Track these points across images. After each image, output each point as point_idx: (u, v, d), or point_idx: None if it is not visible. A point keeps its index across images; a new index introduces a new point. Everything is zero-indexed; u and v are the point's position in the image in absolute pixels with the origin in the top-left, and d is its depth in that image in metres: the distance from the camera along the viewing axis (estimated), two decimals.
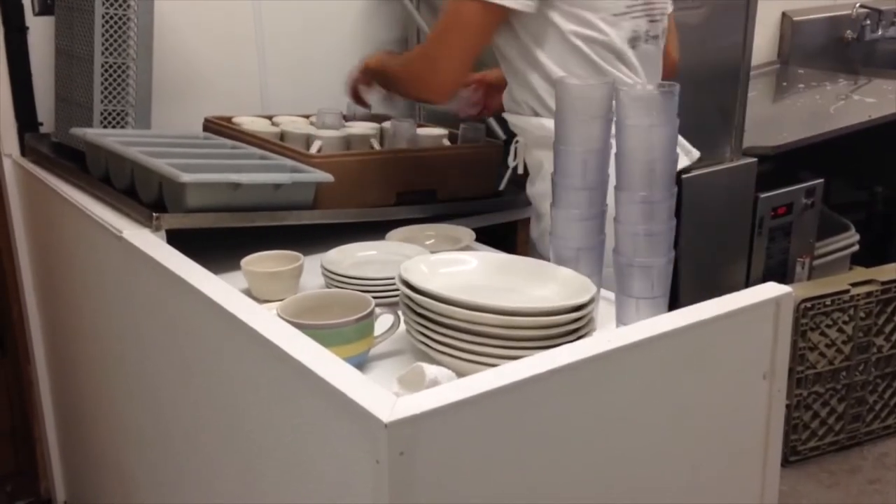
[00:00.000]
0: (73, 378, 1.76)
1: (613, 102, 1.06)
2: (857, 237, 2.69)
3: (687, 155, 1.55)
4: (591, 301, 1.00)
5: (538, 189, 1.49)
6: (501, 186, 1.70)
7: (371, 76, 1.62)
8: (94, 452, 1.71)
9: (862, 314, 2.27)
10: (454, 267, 1.12)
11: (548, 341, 0.95)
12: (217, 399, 1.04)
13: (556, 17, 1.35)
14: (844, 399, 2.32)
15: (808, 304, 2.21)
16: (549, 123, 1.28)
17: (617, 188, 1.05)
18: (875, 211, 3.05)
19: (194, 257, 1.13)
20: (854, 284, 2.27)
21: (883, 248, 2.92)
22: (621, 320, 1.07)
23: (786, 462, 2.29)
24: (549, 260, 1.16)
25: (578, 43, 1.37)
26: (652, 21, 1.43)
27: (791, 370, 2.20)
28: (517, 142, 1.54)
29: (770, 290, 0.96)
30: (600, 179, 1.09)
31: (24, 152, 1.78)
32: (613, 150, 1.06)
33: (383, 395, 0.73)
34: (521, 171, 1.57)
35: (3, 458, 2.03)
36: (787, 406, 2.24)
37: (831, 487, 2.23)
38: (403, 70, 1.50)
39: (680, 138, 1.52)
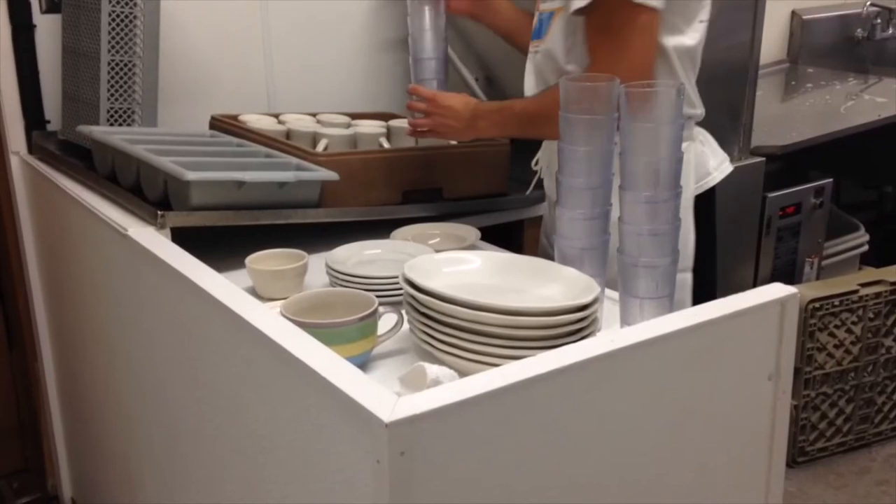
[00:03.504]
0: (79, 375, 1.76)
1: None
2: (866, 237, 2.68)
3: (718, 168, 1.49)
4: (595, 301, 1.00)
5: None
6: (529, 192, 1.69)
7: (493, 123, 1.44)
8: (101, 449, 1.71)
9: (871, 315, 2.26)
10: (458, 266, 1.12)
11: (551, 341, 0.94)
12: (222, 397, 1.04)
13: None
14: (853, 400, 2.31)
15: (817, 305, 2.19)
16: None
17: (621, 188, 1.04)
18: (885, 211, 3.04)
19: (199, 255, 1.13)
20: (863, 285, 2.26)
21: (893, 248, 2.91)
22: (626, 320, 1.07)
23: (794, 463, 2.28)
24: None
25: (670, 50, 1.35)
26: None
27: (799, 371, 2.19)
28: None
29: (775, 290, 0.96)
30: (604, 178, 1.09)
31: (31, 150, 1.79)
32: (618, 150, 1.05)
33: (384, 394, 0.73)
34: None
35: (11, 454, 2.04)
36: (795, 407, 2.23)
37: (839, 489, 2.22)
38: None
39: (716, 149, 1.50)
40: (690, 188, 1.40)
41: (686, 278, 1.41)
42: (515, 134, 1.48)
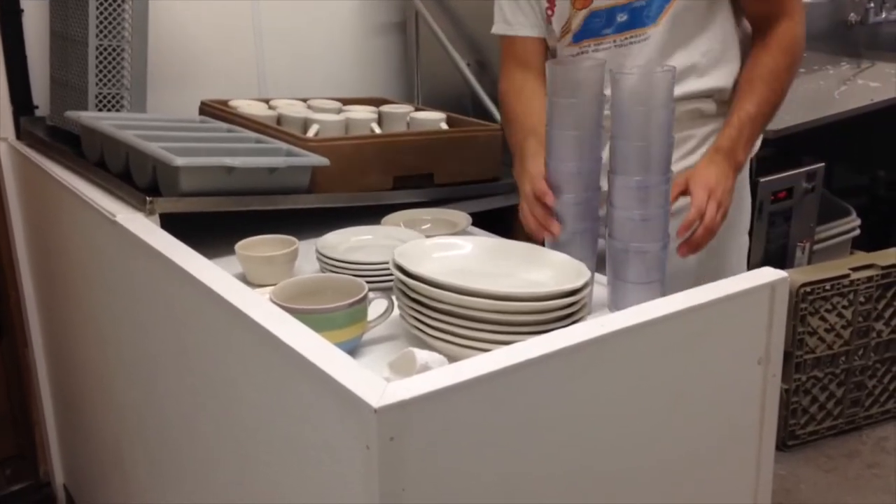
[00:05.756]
0: (70, 361, 1.76)
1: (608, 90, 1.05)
2: (858, 222, 2.68)
3: None
4: (585, 286, 0.99)
5: None
6: None
7: (746, 145, 1.26)
8: (92, 436, 1.71)
9: (862, 299, 2.26)
10: (449, 251, 1.12)
11: (541, 326, 0.94)
12: (212, 383, 1.04)
13: None
14: (843, 384, 2.32)
15: (808, 289, 2.20)
16: None
17: (612, 172, 1.04)
18: (877, 195, 3.04)
19: (189, 242, 1.13)
20: (854, 269, 2.26)
21: (884, 232, 2.91)
22: (616, 305, 1.07)
23: (784, 446, 2.29)
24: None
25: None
26: None
27: (790, 355, 2.20)
28: None
29: (765, 275, 0.96)
30: (593, 161, 1.08)
31: (19, 136, 1.78)
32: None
33: (373, 380, 0.73)
34: None
35: (2, 441, 2.04)
36: (786, 391, 2.24)
37: (830, 472, 2.23)
38: (797, 59, 1.31)
39: None
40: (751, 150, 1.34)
41: (744, 241, 1.42)
42: (760, 134, 1.33)
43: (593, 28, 1.33)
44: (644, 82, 1.01)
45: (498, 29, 1.40)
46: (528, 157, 1.24)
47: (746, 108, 1.25)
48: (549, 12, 1.35)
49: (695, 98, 1.32)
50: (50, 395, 1.98)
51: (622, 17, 1.30)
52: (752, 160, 1.40)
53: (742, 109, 1.26)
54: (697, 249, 1.14)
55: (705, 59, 1.30)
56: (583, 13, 1.32)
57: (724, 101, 1.33)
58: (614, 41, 1.31)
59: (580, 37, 1.34)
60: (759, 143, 1.40)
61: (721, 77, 1.32)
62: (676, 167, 1.19)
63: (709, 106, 1.33)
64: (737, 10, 1.32)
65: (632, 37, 1.31)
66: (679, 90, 1.25)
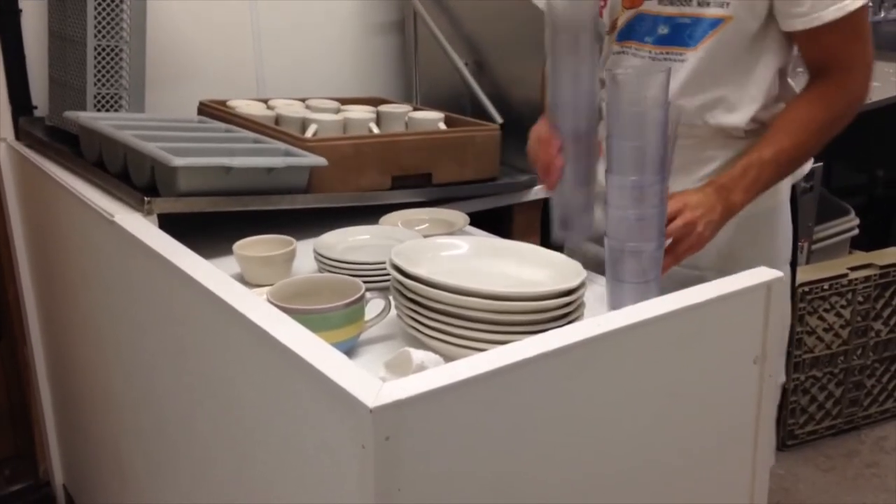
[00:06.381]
0: (69, 361, 1.76)
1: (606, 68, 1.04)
2: (856, 221, 2.68)
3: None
4: (582, 285, 1.00)
5: None
6: None
7: (747, 188, 1.19)
8: (91, 435, 1.71)
9: (860, 298, 2.27)
10: (446, 251, 1.12)
11: (537, 326, 0.95)
12: (209, 383, 1.04)
13: None
14: (842, 383, 2.32)
15: (807, 289, 2.20)
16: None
17: (608, 172, 1.04)
18: (876, 194, 3.04)
19: (187, 241, 1.13)
20: (853, 268, 2.27)
21: (883, 231, 2.91)
22: (612, 304, 1.07)
23: (783, 446, 2.30)
24: None
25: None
26: None
27: (789, 354, 2.20)
28: None
29: (761, 274, 0.96)
30: (589, 121, 1.08)
31: (18, 136, 1.78)
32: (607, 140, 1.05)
33: (369, 379, 0.73)
34: None
35: (2, 441, 2.04)
36: (785, 390, 2.24)
37: (828, 471, 2.23)
38: (840, 116, 1.24)
39: None
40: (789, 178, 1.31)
41: (786, 271, 1.31)
42: (773, 183, 1.24)
43: (638, 31, 1.29)
44: (639, 82, 1.02)
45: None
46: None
47: (763, 151, 1.19)
48: (602, 3, 1.31)
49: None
50: (49, 395, 1.98)
51: (663, 30, 1.25)
52: (794, 187, 1.36)
53: (757, 152, 1.19)
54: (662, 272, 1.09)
55: (735, 95, 1.25)
56: (629, 13, 1.28)
57: (753, 130, 1.28)
58: (650, 52, 1.27)
59: (623, 36, 1.31)
60: (806, 168, 1.35)
61: (747, 117, 1.26)
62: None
63: (737, 131, 1.28)
64: (786, 62, 1.27)
65: (668, 53, 1.26)
66: (708, 117, 1.25)
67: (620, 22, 1.30)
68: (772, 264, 1.34)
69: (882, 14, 3.23)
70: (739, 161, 1.20)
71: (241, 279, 1.25)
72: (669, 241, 1.10)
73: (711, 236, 1.14)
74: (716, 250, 1.23)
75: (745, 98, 1.25)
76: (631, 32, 1.29)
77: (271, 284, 1.09)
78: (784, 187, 1.32)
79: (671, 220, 1.10)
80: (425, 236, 1.25)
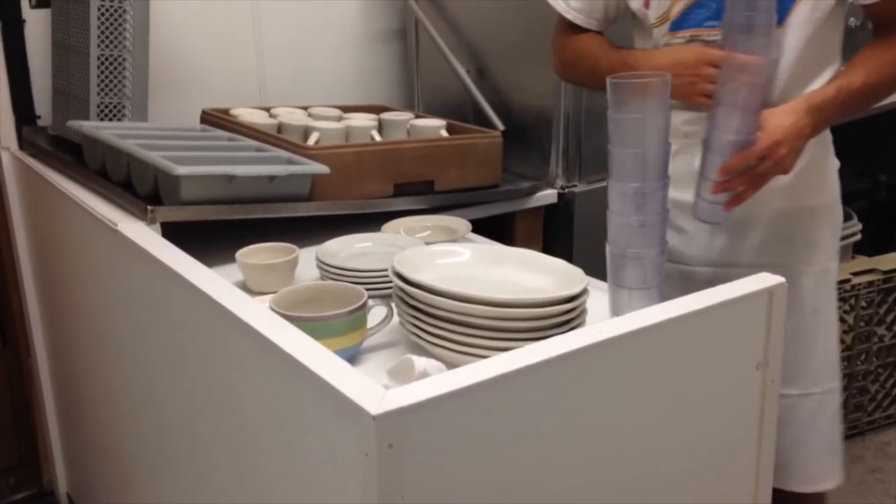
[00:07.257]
0: (72, 370, 1.76)
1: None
2: (859, 226, 2.68)
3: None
4: (584, 292, 1.00)
5: None
6: None
7: (834, 112, 1.20)
8: (95, 444, 1.71)
9: (863, 304, 2.26)
10: (448, 258, 1.12)
11: (539, 332, 0.95)
12: (212, 391, 1.04)
13: None
14: (846, 389, 2.32)
15: None
16: None
17: (609, 178, 1.04)
18: (878, 199, 3.04)
19: (191, 250, 1.14)
20: (856, 274, 2.26)
21: (886, 237, 2.91)
22: (614, 311, 1.07)
23: None
24: None
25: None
26: None
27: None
28: None
29: (763, 280, 0.96)
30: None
31: (21, 145, 1.78)
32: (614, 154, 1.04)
33: (372, 387, 0.73)
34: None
35: (6, 450, 2.04)
36: None
37: None
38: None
39: None
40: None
41: (825, 268, 1.35)
42: (851, 113, 1.25)
43: (695, 19, 1.26)
44: (640, 88, 1.02)
45: (570, 16, 1.36)
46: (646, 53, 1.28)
47: (851, 79, 1.19)
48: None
49: None
50: (53, 404, 1.98)
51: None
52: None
53: (846, 79, 1.19)
54: (740, 201, 1.15)
55: (807, 72, 1.24)
56: (685, 1, 1.26)
57: None
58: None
59: (676, 26, 1.27)
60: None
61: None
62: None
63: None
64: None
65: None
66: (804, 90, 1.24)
67: (674, 12, 1.27)
68: (815, 257, 1.32)
69: None
70: (831, 83, 1.20)
71: (244, 287, 1.25)
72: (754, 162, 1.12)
73: (793, 164, 1.15)
74: (753, 248, 1.29)
75: (826, 67, 1.26)
76: (686, 21, 1.27)
77: (274, 292, 1.10)
78: (833, 184, 1.34)
79: (758, 153, 1.11)
80: (427, 244, 1.25)
